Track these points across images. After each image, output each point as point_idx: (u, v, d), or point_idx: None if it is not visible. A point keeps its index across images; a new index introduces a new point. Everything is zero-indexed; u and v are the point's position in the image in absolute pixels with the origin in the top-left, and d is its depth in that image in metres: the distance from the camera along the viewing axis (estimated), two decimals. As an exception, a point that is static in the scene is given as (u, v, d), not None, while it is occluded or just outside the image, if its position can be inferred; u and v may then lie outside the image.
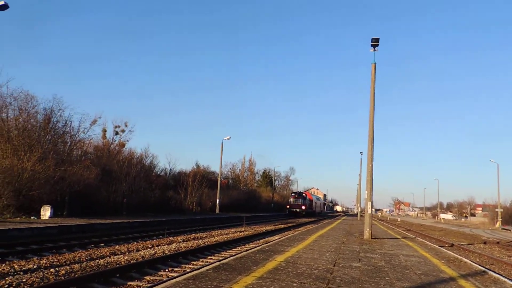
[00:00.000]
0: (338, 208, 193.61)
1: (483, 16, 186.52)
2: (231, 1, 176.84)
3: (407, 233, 27.58)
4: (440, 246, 18.16)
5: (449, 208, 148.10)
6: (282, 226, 29.29)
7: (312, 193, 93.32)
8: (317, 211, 73.08)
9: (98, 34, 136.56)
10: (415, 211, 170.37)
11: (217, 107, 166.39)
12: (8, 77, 38.15)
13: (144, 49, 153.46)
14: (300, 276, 6.96)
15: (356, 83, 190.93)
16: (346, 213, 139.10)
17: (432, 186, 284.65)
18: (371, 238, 17.18)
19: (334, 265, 8.63)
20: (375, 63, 18.08)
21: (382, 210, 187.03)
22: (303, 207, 55.43)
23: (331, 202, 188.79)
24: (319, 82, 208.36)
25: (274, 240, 15.05)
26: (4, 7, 15.94)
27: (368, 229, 17.44)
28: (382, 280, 7.21)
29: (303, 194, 60.15)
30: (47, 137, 24.44)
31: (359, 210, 61.03)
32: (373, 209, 18.31)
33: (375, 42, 17.46)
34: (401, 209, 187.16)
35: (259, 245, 13.77)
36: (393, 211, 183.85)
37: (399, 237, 21.17)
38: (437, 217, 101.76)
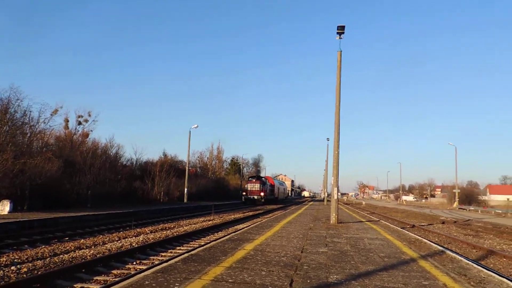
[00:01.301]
0: (306, 194, 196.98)
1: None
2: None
3: (371, 216, 28.54)
4: (402, 228, 18.93)
5: (411, 190, 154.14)
6: (251, 213, 29.55)
7: (280, 179, 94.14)
8: (281, 198, 66.82)
9: (68, 27, 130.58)
10: (379, 194, 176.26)
11: (184, 96, 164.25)
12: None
13: (107, 42, 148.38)
14: (268, 264, 7.07)
15: (323, 69, 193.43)
16: (313, 198, 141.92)
17: (395, 169, 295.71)
18: (337, 223, 17.63)
19: (301, 252, 8.83)
20: (341, 51, 18.34)
21: (347, 194, 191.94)
22: (262, 194, 47.04)
23: (299, 187, 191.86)
24: (284, 68, 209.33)
25: (243, 228, 15.17)
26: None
27: (334, 214, 17.88)
28: (347, 264, 7.45)
29: (263, 178, 51.91)
30: (4, 128, 23.26)
31: (326, 195, 62.38)
32: (339, 194, 18.75)
33: (340, 30, 17.64)
34: (366, 192, 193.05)
35: (228, 234, 13.87)
36: (358, 194, 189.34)
37: (364, 220, 21.87)
38: (400, 199, 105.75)
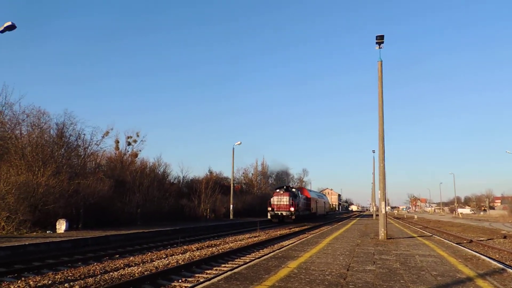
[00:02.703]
0: (354, 208, 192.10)
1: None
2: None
3: (423, 231, 27.19)
4: (458, 243, 17.85)
5: (467, 202, 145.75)
6: (297, 229, 29.14)
7: (326, 193, 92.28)
8: (320, 213, 56.80)
9: (105, 49, 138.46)
10: (432, 207, 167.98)
11: (227, 113, 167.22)
12: (20, 95, 39.04)
13: (151, 62, 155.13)
14: (312, 283, 6.88)
15: (369, 83, 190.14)
16: (361, 212, 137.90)
17: (448, 180, 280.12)
18: (387, 238, 16.96)
19: (347, 270, 8.53)
20: (381, 61, 17.94)
21: (398, 207, 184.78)
22: (292, 209, 37.74)
23: (346, 202, 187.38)
24: (330, 84, 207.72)
25: (288, 245, 14.96)
26: (12, 27, 16.20)
27: (383, 229, 17.23)
28: (396, 283, 7.09)
29: (293, 190, 41.97)
30: (61, 151, 24.80)
31: (374, 209, 60.42)
32: (388, 207, 18.09)
33: (380, 40, 17.31)
34: (418, 205, 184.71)
35: (273, 251, 13.72)
36: (409, 208, 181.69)
37: (415, 235, 20.86)
38: (455, 212, 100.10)
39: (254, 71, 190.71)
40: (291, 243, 15.72)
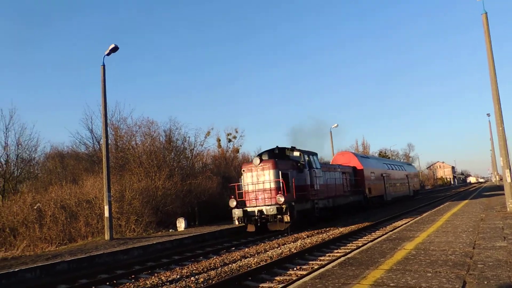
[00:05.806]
0: (472, 180, 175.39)
1: None
2: None
3: None
4: None
5: None
6: (409, 208, 27.61)
7: (437, 167, 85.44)
8: (397, 195, 34.13)
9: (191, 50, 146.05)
10: None
11: (321, 94, 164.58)
12: (131, 109, 43.38)
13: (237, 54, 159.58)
14: (434, 264, 6.46)
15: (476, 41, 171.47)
16: (481, 183, 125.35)
17: None
18: (516, 210, 15.19)
19: (473, 248, 7.83)
20: (486, 13, 16.03)
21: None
22: (282, 199, 16.02)
23: (462, 174, 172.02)
24: (429, 47, 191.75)
25: (401, 225, 14.30)
26: (115, 49, 17.97)
27: (511, 200, 15.46)
28: (535, 260, 6.30)
29: (294, 154, 19.38)
30: (171, 155, 27.02)
31: (497, 178, 54.51)
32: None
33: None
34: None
35: (386, 233, 13.24)
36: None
37: (553, 204, 18.27)
38: None
39: (342, 43, 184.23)
40: (405, 223, 14.99)
